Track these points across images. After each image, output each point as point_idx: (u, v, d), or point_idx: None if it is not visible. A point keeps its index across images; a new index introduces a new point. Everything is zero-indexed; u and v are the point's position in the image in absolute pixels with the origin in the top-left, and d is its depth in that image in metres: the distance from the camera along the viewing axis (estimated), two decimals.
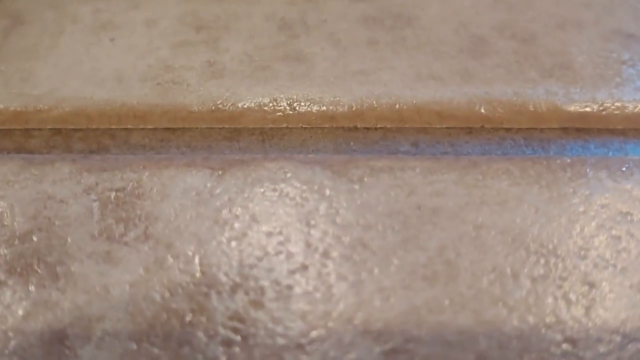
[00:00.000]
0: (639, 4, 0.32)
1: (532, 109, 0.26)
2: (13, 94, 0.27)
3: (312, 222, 0.22)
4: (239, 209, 0.22)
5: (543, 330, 0.19)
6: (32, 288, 0.20)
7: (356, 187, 0.23)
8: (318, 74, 0.27)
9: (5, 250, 0.21)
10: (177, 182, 0.23)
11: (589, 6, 0.31)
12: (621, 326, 0.19)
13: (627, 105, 0.26)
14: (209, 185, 0.23)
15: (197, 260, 0.21)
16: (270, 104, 0.26)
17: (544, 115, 0.26)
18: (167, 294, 0.20)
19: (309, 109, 0.26)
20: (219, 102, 0.26)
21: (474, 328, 0.19)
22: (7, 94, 0.27)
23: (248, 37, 0.30)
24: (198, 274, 0.20)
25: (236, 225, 0.22)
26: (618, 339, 0.19)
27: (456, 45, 0.29)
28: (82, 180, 0.23)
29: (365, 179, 0.23)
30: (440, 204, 0.22)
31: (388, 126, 0.26)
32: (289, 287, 0.20)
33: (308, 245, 0.21)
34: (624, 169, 0.23)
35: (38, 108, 0.26)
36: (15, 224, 0.22)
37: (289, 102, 0.26)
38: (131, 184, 0.23)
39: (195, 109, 0.26)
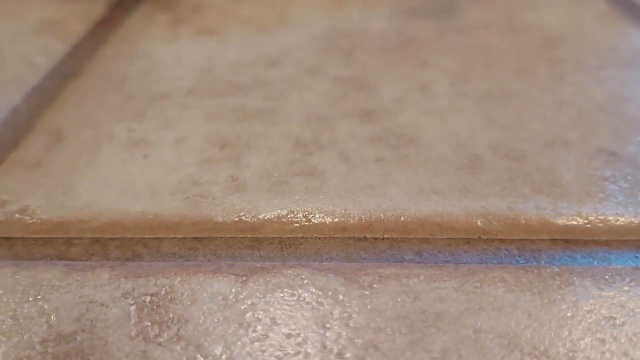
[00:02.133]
0: (621, 125, 0.35)
1: (524, 222, 0.29)
2: (55, 206, 0.30)
3: (328, 325, 0.24)
4: (261, 312, 0.25)
5: None
6: None
7: (367, 292, 0.25)
8: (331, 188, 0.30)
9: (52, 349, 0.23)
10: (206, 288, 0.26)
11: (575, 127, 0.35)
12: None
13: (610, 219, 0.29)
14: (234, 290, 0.26)
15: None
16: (288, 216, 0.29)
17: (535, 228, 0.28)
18: None
19: (323, 220, 0.29)
20: (242, 214, 0.29)
21: None
22: (50, 205, 0.30)
23: (267, 155, 0.33)
24: None
25: (259, 327, 0.24)
26: None
27: (455, 163, 0.32)
28: (120, 286, 0.26)
29: (375, 286, 0.26)
30: (443, 310, 0.25)
31: (394, 237, 0.28)
32: None
33: (324, 346, 0.23)
34: (607, 277, 0.26)
35: (79, 219, 0.29)
36: (61, 325, 0.24)
37: (304, 214, 0.29)
38: (164, 289, 0.26)
39: (221, 220, 0.29)
